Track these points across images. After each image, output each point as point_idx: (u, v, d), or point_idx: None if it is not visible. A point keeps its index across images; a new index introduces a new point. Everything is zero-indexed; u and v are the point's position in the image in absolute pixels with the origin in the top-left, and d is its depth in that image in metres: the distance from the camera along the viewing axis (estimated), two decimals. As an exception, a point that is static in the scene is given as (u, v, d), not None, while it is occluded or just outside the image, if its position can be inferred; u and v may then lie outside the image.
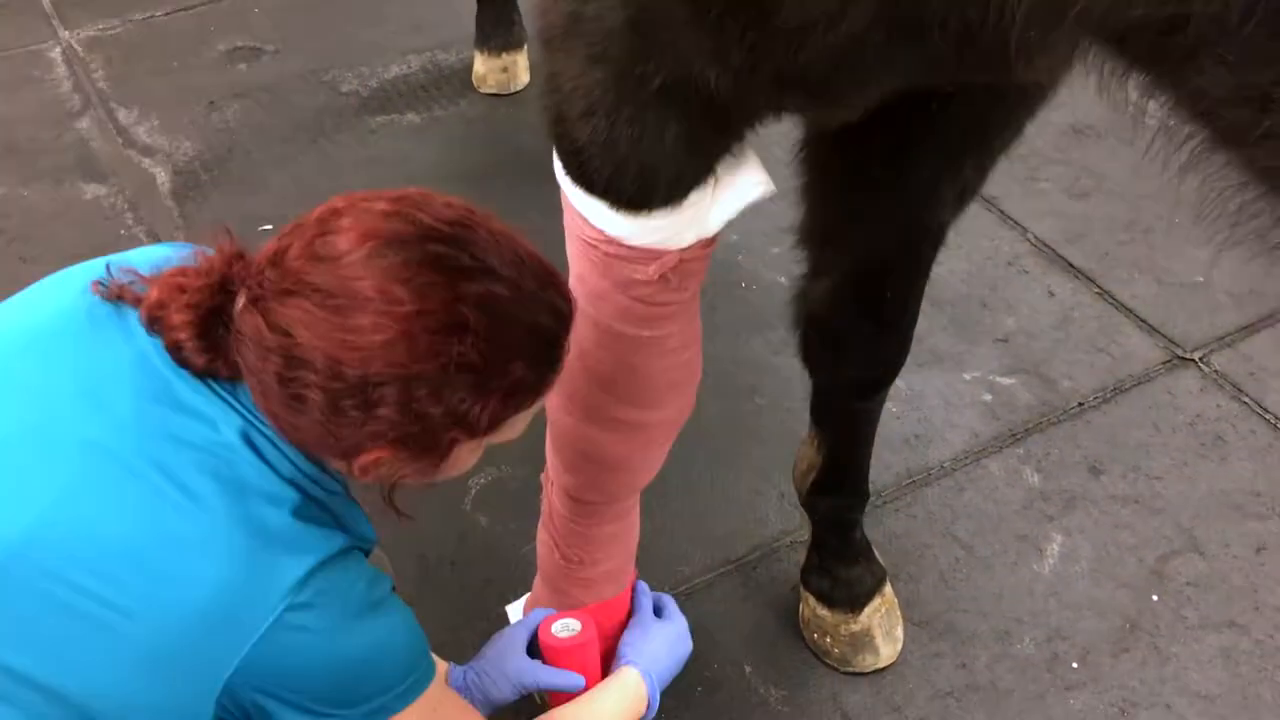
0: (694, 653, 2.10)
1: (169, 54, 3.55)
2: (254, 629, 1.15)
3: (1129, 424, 2.51)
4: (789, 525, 2.33)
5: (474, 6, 3.42)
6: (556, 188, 1.60)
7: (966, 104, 1.40)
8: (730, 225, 3.10)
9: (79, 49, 3.59)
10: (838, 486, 1.99)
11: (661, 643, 1.79)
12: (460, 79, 3.46)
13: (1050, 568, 2.26)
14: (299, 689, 1.19)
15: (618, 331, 1.54)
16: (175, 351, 1.20)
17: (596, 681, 1.71)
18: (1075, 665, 2.11)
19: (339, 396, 1.14)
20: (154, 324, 1.21)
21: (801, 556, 2.19)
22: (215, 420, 1.20)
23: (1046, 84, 1.35)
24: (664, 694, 2.04)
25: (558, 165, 1.48)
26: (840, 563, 2.07)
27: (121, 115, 3.33)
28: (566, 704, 1.66)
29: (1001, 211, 3.03)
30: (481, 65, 3.41)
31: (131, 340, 1.22)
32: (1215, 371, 2.61)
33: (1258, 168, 0.87)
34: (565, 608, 1.89)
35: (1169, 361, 2.64)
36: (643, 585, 1.94)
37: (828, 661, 2.11)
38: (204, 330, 1.19)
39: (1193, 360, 2.64)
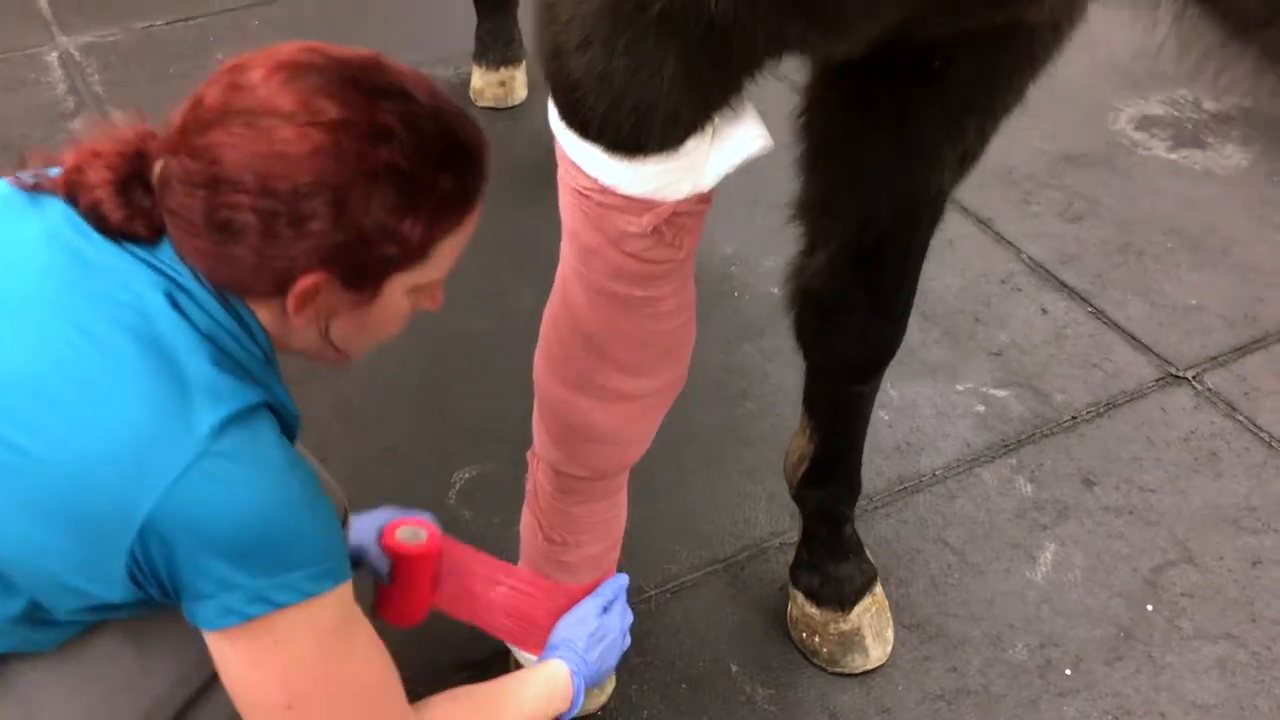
0: (679, 650, 2.07)
1: (166, 61, 3.55)
2: (166, 474, 1.12)
3: (1122, 438, 2.48)
4: (778, 527, 2.29)
5: (473, 23, 3.43)
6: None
7: (970, 60, 1.39)
8: (725, 237, 3.09)
9: (76, 54, 3.58)
10: (830, 477, 1.95)
11: (598, 640, 1.74)
12: (457, 94, 3.45)
13: (1043, 575, 2.22)
14: (212, 547, 1.15)
15: (610, 291, 1.51)
16: (93, 212, 1.20)
17: (425, 597, 1.65)
18: (1068, 672, 2.06)
19: (270, 215, 1.13)
20: (71, 188, 1.22)
21: (790, 558, 2.15)
22: (130, 277, 1.18)
23: (1053, 29, 1.34)
24: (648, 691, 2.00)
25: (552, 112, 1.47)
26: (830, 559, 2.03)
27: (116, 118, 3.31)
28: (488, 683, 1.61)
29: (995, 232, 3.02)
30: (479, 79, 3.41)
31: (46, 216, 1.22)
32: (1208, 390, 2.59)
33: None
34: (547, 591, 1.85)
35: (1162, 379, 2.62)
36: (619, 579, 1.88)
37: (816, 661, 2.06)
38: (122, 188, 1.20)
39: (1185, 379, 2.62)
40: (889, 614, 2.09)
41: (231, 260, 1.17)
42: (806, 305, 1.74)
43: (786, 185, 3.10)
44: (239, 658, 1.21)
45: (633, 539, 2.20)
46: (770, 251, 2.92)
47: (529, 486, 1.84)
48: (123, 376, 1.14)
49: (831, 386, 1.83)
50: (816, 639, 2.05)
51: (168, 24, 3.71)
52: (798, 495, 2.01)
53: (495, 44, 3.37)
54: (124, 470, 1.12)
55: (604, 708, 1.97)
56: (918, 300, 2.76)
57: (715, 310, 2.76)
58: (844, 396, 1.84)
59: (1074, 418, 2.53)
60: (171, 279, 1.20)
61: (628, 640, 1.82)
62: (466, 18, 3.44)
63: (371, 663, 1.32)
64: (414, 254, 1.22)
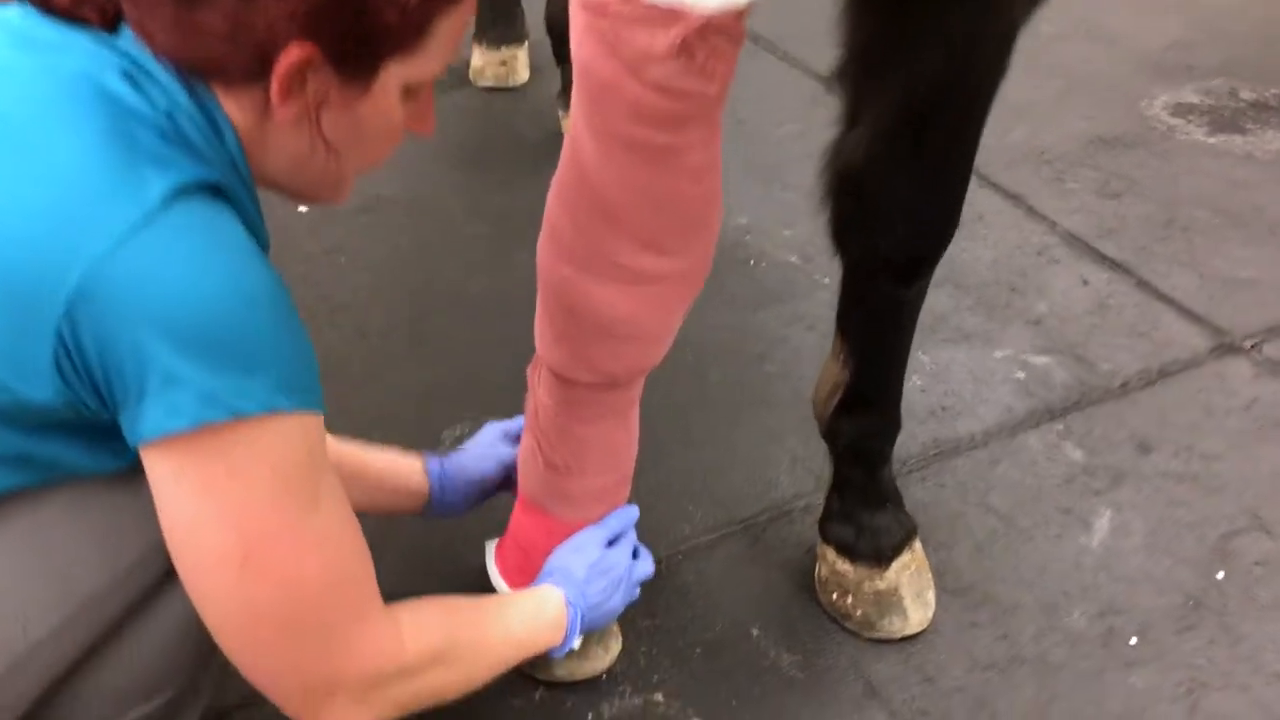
0: (693, 613, 1.83)
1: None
2: (103, 238, 0.93)
3: (1177, 405, 2.26)
4: (802, 489, 2.06)
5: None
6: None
7: None
8: (739, 208, 2.86)
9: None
10: (866, 406, 1.73)
11: (600, 572, 1.55)
12: (457, 74, 3.29)
13: (1100, 541, 1.98)
14: (155, 324, 0.94)
15: (628, 138, 1.31)
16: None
17: None
18: (1134, 641, 1.81)
19: None
20: None
21: (815, 520, 1.92)
22: (84, 54, 1.02)
23: None
24: (658, 655, 1.76)
25: None
26: (865, 507, 1.80)
27: None
28: (472, 597, 1.41)
29: (1028, 207, 2.83)
30: (479, 58, 3.25)
31: None
32: (1268, 360, 2.38)
33: None
34: (547, 529, 1.62)
35: (1217, 349, 2.41)
36: (627, 511, 1.66)
37: (848, 626, 1.81)
38: None
39: (1243, 348, 2.40)
40: (930, 575, 1.85)
41: (201, 31, 0.99)
42: (845, 190, 1.53)
43: (802, 164, 2.93)
44: (184, 484, 1.00)
45: (642, 500, 1.98)
46: (787, 224, 2.73)
47: (528, 406, 1.62)
48: (64, 132, 0.97)
49: (871, 292, 1.61)
50: (849, 600, 1.81)
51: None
52: (829, 430, 1.78)
53: (497, 21, 3.21)
54: (55, 231, 0.93)
55: (609, 671, 1.73)
56: (948, 269, 2.59)
57: (729, 277, 2.56)
58: (885, 304, 1.62)
59: (1124, 385, 2.31)
60: (131, 60, 1.03)
61: (637, 589, 1.61)
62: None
63: (343, 529, 1.11)
64: (410, 30, 1.05)
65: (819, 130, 3.01)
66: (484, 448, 1.74)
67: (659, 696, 1.71)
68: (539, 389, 1.58)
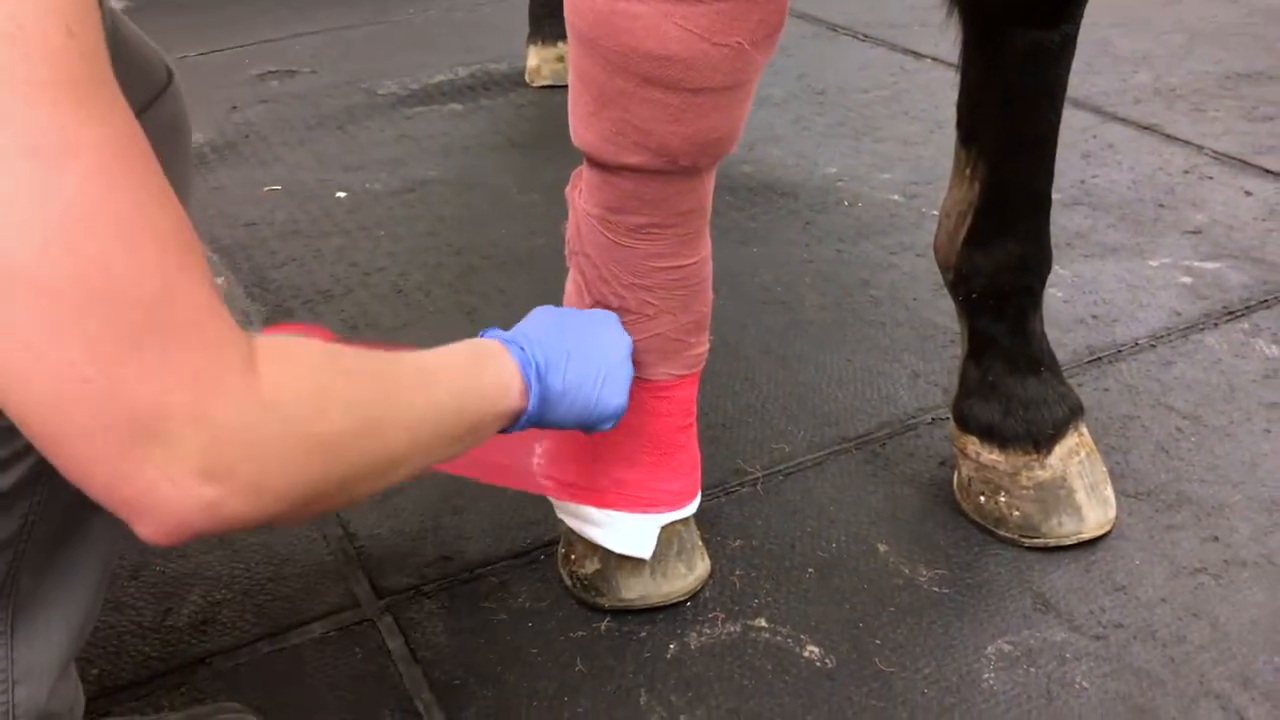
0: (800, 533, 1.44)
1: (199, 78, 3.21)
2: None
3: (1389, 296, 1.83)
4: (927, 403, 1.66)
5: (515, 31, 3.08)
6: None
7: None
8: (827, 160, 2.56)
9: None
10: (1006, 229, 1.34)
11: (559, 331, 1.10)
12: (513, 79, 3.05)
13: (1322, 433, 1.54)
14: None
15: None
16: None
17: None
18: (1391, 535, 1.37)
19: None
20: None
21: (946, 435, 1.52)
22: None
23: None
24: (757, 578, 1.36)
25: None
26: (1013, 373, 1.39)
27: None
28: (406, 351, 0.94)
29: (1165, 134, 2.44)
30: (535, 57, 3.00)
31: None
32: None
33: None
34: None
35: None
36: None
37: (1003, 532, 1.39)
38: None
39: None
40: (1104, 467, 1.43)
41: None
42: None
43: (893, 121, 2.60)
44: None
45: (729, 421, 1.62)
46: (883, 170, 2.38)
47: (569, 231, 1.27)
48: None
49: (1005, 50, 1.24)
50: (1002, 499, 1.39)
51: (200, 55, 3.41)
52: (958, 273, 1.38)
53: (553, 16, 2.97)
54: None
55: (695, 597, 1.33)
56: (1081, 193, 2.21)
57: (820, 215, 2.21)
58: (1023, 65, 1.24)
59: (1317, 281, 1.89)
60: None
61: (629, 366, 1.16)
62: (512, 25, 3.09)
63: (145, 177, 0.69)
64: None
65: (908, 95, 2.74)
66: None
67: (761, 622, 1.30)
68: (579, 199, 1.23)
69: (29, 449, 0.80)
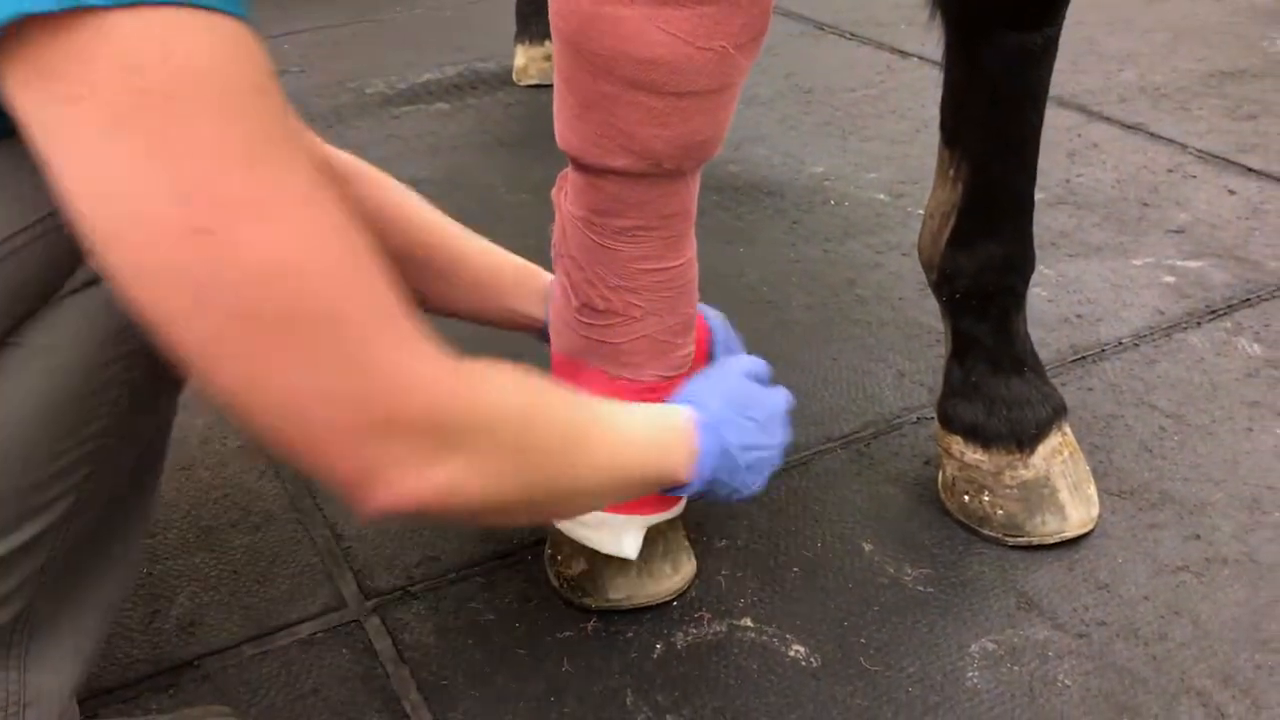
0: (785, 530, 1.44)
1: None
2: None
3: (1371, 295, 1.85)
4: (911, 402, 1.67)
5: (501, 29, 3.08)
6: None
7: None
8: (814, 158, 2.55)
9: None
10: (989, 229, 1.35)
11: (738, 406, 1.12)
12: (500, 78, 3.05)
13: (1302, 431, 1.56)
14: None
15: None
16: None
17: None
18: (1371, 533, 1.38)
19: None
20: None
21: (930, 434, 1.53)
22: None
23: None
24: (744, 577, 1.37)
25: None
26: (996, 373, 1.40)
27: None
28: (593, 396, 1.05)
29: (1150, 133, 2.46)
30: (522, 56, 3.01)
31: None
32: None
33: None
34: (590, 387, 1.26)
35: (1407, 242, 1.99)
36: (755, 360, 1.24)
37: (987, 531, 1.40)
38: None
39: None
40: (1087, 467, 1.44)
41: None
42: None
43: (879, 120, 2.61)
44: (75, 122, 0.68)
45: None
46: (869, 169, 2.39)
47: (555, 234, 1.27)
48: None
49: (988, 52, 1.24)
50: (986, 498, 1.40)
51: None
52: (942, 273, 1.40)
53: (540, 14, 2.97)
54: None
55: (681, 597, 1.33)
56: (1065, 192, 2.22)
57: (808, 216, 2.21)
58: (1007, 67, 1.24)
59: (1299, 280, 1.90)
60: None
61: (780, 452, 1.18)
62: (499, 24, 3.10)
63: (336, 208, 0.75)
64: None
65: (894, 94, 2.75)
66: None
67: (747, 621, 1.30)
68: (565, 203, 1.24)
69: (64, 494, 0.86)
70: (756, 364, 1.20)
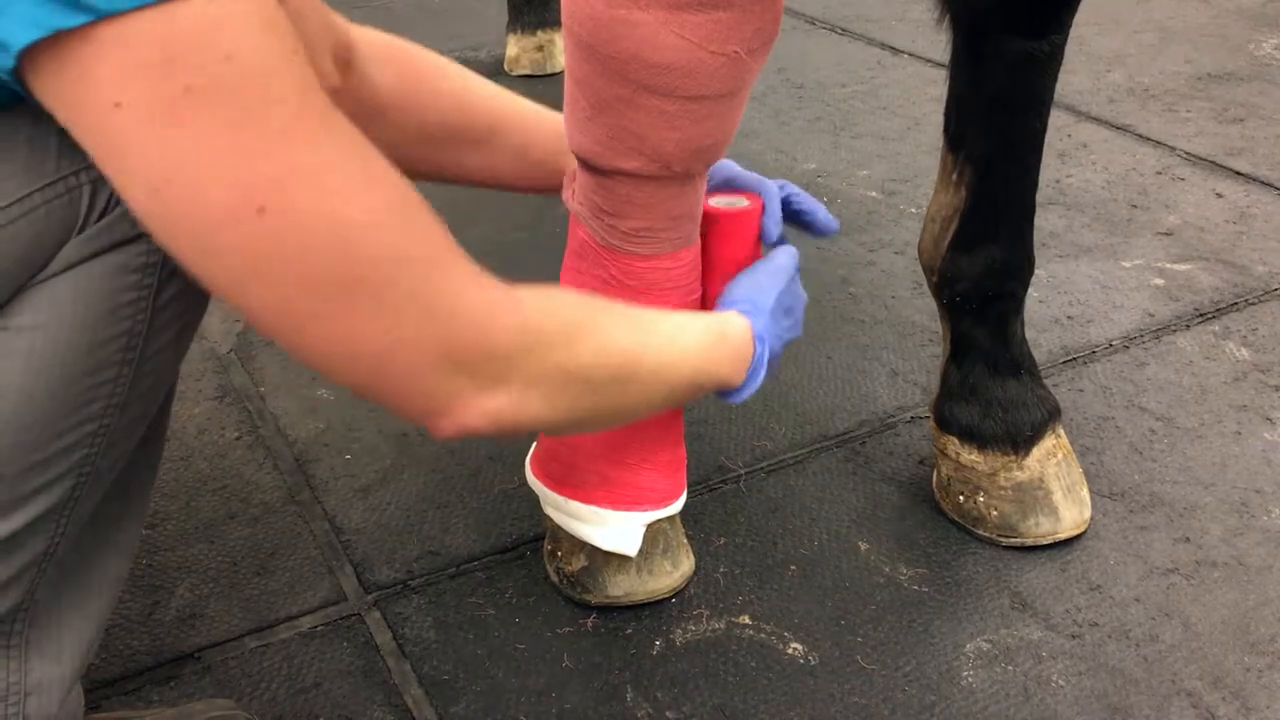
0: (782, 530, 1.46)
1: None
2: None
3: (1356, 301, 1.87)
4: (905, 402, 1.68)
5: (494, 17, 3.07)
6: None
7: None
8: (806, 155, 2.54)
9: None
10: (991, 235, 1.36)
11: (783, 310, 1.19)
12: (491, 68, 3.05)
13: (1290, 435, 1.58)
14: None
15: None
16: None
17: (751, 254, 1.24)
18: (1357, 537, 1.40)
19: None
20: None
21: (925, 434, 1.55)
22: None
23: None
24: (740, 575, 1.38)
25: None
26: (993, 375, 1.42)
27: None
28: (655, 309, 1.13)
29: (1139, 135, 2.48)
30: (514, 46, 3.00)
31: None
32: None
33: None
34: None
35: (1391, 247, 2.02)
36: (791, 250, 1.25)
37: (981, 532, 1.42)
38: None
39: None
40: (1080, 469, 1.46)
41: None
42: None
43: (871, 117, 2.62)
44: (130, 117, 0.69)
45: (707, 420, 1.64)
46: (862, 166, 2.41)
47: (569, 243, 1.28)
48: None
49: (992, 57, 1.26)
50: (981, 499, 1.42)
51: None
52: (943, 276, 1.41)
53: (531, 6, 2.97)
54: None
55: (680, 594, 1.35)
56: (1056, 193, 2.24)
57: (802, 212, 2.23)
58: (1011, 73, 1.26)
59: (1286, 285, 1.93)
60: None
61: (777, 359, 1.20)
62: (491, 13, 3.09)
63: (374, 158, 0.79)
64: None
65: (885, 90, 2.76)
66: None
67: (745, 619, 1.32)
68: (573, 202, 1.24)
69: (62, 476, 0.86)
70: (794, 256, 1.24)
